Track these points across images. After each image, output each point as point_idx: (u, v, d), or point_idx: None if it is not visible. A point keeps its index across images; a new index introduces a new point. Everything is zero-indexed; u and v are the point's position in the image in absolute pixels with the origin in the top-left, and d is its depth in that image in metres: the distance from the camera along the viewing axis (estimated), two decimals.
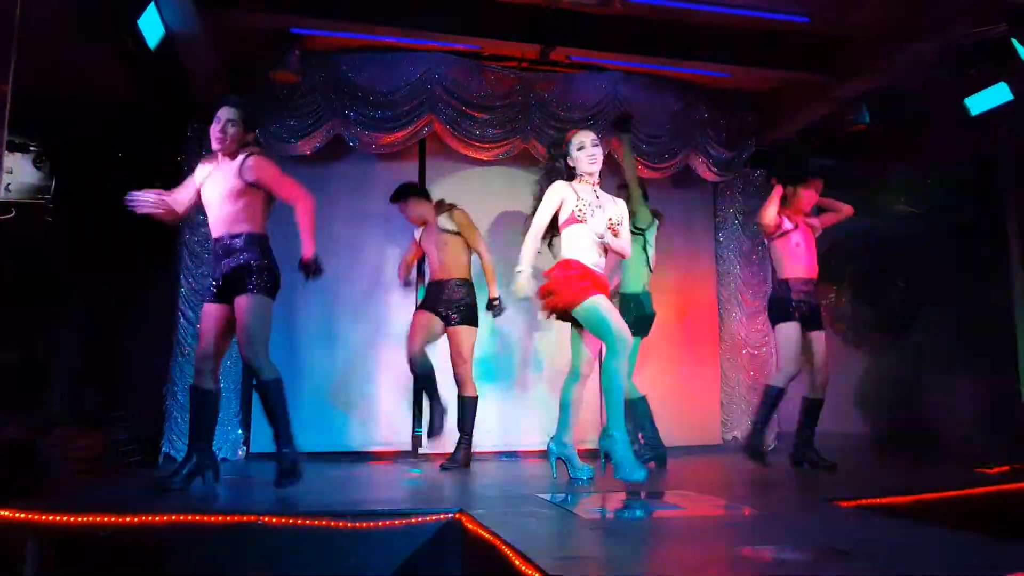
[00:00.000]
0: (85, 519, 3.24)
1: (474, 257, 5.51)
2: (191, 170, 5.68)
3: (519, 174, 6.29)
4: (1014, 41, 5.32)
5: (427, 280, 5.65)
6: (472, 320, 5.42)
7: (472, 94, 6.09)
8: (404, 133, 5.99)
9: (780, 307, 5.31)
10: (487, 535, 2.89)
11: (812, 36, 5.81)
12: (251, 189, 4.15)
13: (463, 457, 5.34)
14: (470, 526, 3.16)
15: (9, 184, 5.43)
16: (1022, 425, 5.99)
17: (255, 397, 5.70)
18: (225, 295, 4.14)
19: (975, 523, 3.50)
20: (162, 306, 5.76)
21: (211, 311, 4.19)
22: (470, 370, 5.42)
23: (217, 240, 4.19)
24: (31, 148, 5.56)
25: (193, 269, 5.77)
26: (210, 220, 4.25)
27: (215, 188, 4.20)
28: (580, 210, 4.25)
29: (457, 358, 5.39)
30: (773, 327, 5.43)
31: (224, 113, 4.19)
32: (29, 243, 5.36)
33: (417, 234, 5.67)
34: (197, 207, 4.39)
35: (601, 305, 4.16)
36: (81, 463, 5.00)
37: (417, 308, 5.59)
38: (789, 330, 5.25)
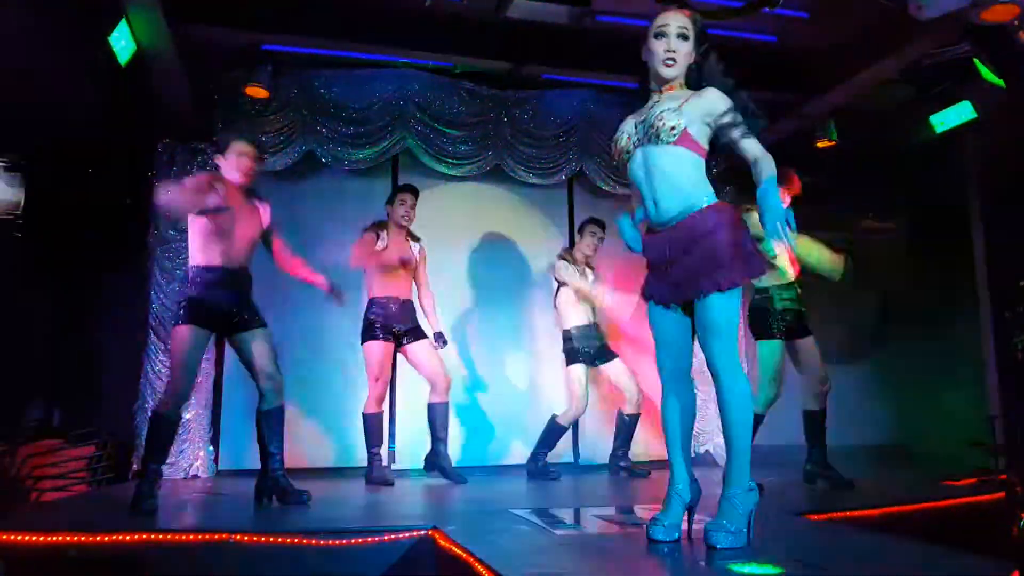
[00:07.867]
0: (54, 538, 3.18)
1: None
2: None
3: (490, 190, 6.34)
4: (977, 61, 5.44)
5: (374, 295, 5.40)
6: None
7: (444, 111, 6.14)
8: (376, 149, 6.02)
9: (761, 319, 4.76)
10: (460, 552, 2.89)
11: (779, 54, 5.89)
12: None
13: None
14: (443, 543, 3.15)
15: None
16: (990, 439, 6.06)
17: (224, 416, 5.71)
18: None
19: (944, 535, 3.55)
20: (132, 323, 5.71)
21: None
22: None
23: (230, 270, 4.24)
24: (0, 162, 5.50)
25: (164, 286, 5.71)
26: (222, 248, 4.22)
27: (240, 222, 4.30)
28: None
29: (441, 369, 5.37)
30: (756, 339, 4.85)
31: (246, 148, 4.36)
32: None
33: (383, 242, 5.30)
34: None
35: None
36: (50, 481, 4.95)
37: (381, 339, 5.35)
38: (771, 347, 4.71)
